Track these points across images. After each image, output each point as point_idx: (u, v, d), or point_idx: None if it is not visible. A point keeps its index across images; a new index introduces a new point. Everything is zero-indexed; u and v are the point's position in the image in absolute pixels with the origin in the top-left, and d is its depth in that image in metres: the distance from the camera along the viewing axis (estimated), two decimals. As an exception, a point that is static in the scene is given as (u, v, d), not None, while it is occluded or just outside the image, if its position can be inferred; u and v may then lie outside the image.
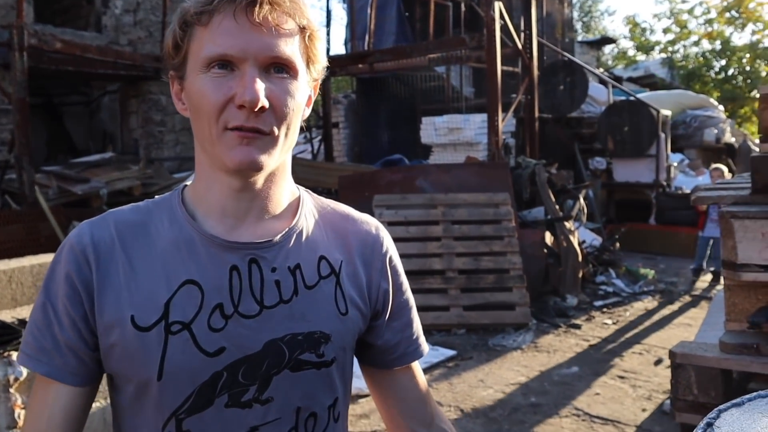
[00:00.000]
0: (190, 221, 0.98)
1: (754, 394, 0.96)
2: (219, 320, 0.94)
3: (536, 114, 9.65)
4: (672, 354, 2.18)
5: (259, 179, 0.97)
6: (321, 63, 1.00)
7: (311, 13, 0.97)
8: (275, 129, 0.93)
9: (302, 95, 0.96)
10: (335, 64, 10.43)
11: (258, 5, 0.89)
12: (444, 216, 6.72)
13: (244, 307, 0.95)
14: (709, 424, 0.87)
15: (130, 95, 9.99)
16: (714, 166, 8.59)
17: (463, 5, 13.07)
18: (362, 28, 11.70)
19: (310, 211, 1.06)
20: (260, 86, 0.89)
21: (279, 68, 0.92)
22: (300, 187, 1.09)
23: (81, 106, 10.84)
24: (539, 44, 9.76)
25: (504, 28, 8.34)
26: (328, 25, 13.73)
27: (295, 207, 1.04)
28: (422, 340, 1.17)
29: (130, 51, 9.26)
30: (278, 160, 0.96)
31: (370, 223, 1.12)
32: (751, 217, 2.02)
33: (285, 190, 1.03)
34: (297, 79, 0.95)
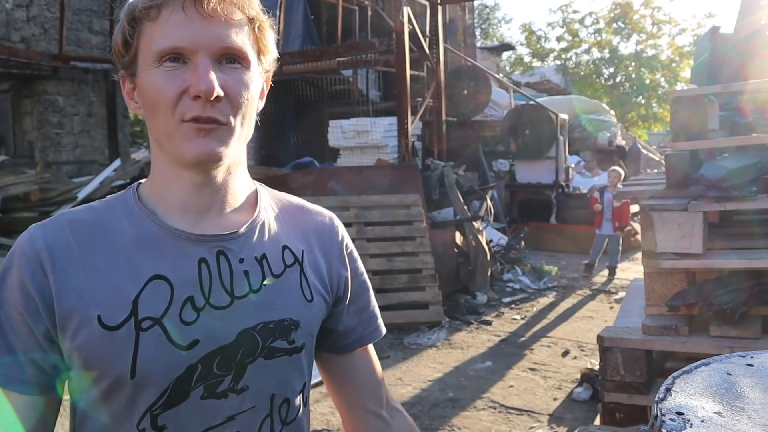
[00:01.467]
0: (151, 217, 0.96)
1: (699, 362, 1.06)
2: (191, 313, 0.93)
3: (443, 117, 9.88)
4: (600, 338, 2.32)
5: (219, 173, 0.97)
6: (272, 54, 1.02)
7: (258, 5, 0.98)
8: (231, 119, 0.93)
9: (256, 86, 0.97)
10: (242, 65, 10.30)
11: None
12: (357, 218, 6.77)
13: (215, 298, 0.95)
14: (668, 390, 0.95)
15: (24, 95, 9.44)
16: (612, 168, 9.07)
17: (369, 9, 13.20)
18: (269, 30, 11.56)
19: (268, 203, 1.08)
20: (214, 76, 0.89)
21: (231, 59, 0.93)
22: (255, 181, 1.10)
23: (-33, 107, 10.17)
24: (444, 50, 9.99)
25: (412, 33, 8.49)
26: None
27: (253, 199, 1.06)
28: (380, 321, 1.20)
29: (24, 48, 8.77)
30: (236, 151, 0.97)
31: (324, 213, 1.15)
32: (668, 210, 2.19)
33: (243, 183, 1.04)
34: (249, 69, 0.95)
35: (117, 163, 9.01)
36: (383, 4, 13.63)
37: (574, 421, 4.18)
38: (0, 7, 8.92)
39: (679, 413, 0.91)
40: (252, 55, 0.96)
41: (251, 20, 0.95)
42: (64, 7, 8.77)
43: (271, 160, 12.73)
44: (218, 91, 0.89)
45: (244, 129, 0.96)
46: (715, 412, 0.92)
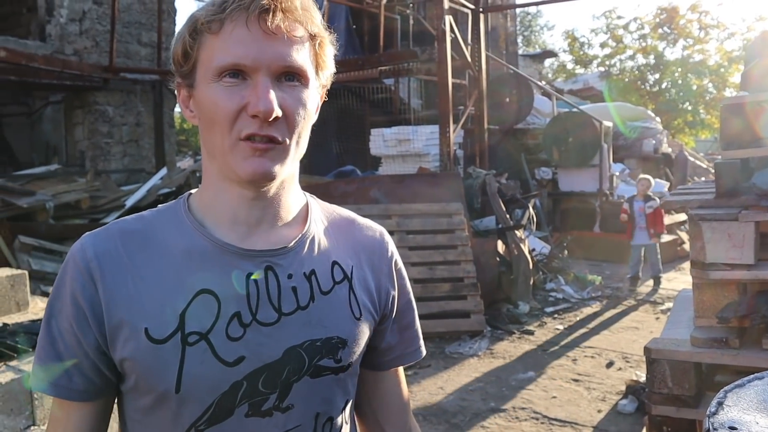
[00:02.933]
0: (200, 229, 0.96)
1: (752, 376, 1.04)
2: (237, 329, 0.93)
3: (485, 125, 9.84)
4: (647, 350, 2.29)
5: (271, 188, 0.97)
6: (329, 69, 1.01)
7: (320, 20, 0.97)
8: (287, 138, 0.92)
9: (312, 103, 0.96)
10: (286, 75, 10.43)
11: (271, 13, 0.88)
12: (398, 226, 6.78)
13: (263, 314, 0.94)
14: (720, 404, 0.94)
15: (75, 106, 9.74)
16: (641, 176, 8.86)
17: (411, 18, 13.25)
18: (311, 39, 11.69)
19: (319, 217, 1.07)
20: (274, 96, 0.88)
21: (290, 77, 0.92)
22: (306, 192, 1.09)
23: (22, 117, 10.50)
24: (486, 57, 9.96)
25: (454, 42, 8.50)
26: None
27: (304, 213, 1.05)
28: (422, 342, 1.19)
29: (77, 60, 9.04)
30: (290, 168, 0.96)
31: (375, 228, 1.13)
32: (718, 219, 2.15)
33: (295, 197, 1.03)
34: (308, 86, 0.94)
35: (163, 171, 9.22)
36: (425, 12, 13.67)
37: (620, 434, 4.11)
38: (54, 22, 9.22)
39: (732, 428, 0.90)
40: (311, 72, 0.95)
41: (312, 37, 0.95)
42: (115, 20, 9.03)
43: (313, 168, 12.84)
44: (277, 112, 0.89)
45: (299, 147, 0.96)
46: (768, 428, 0.90)
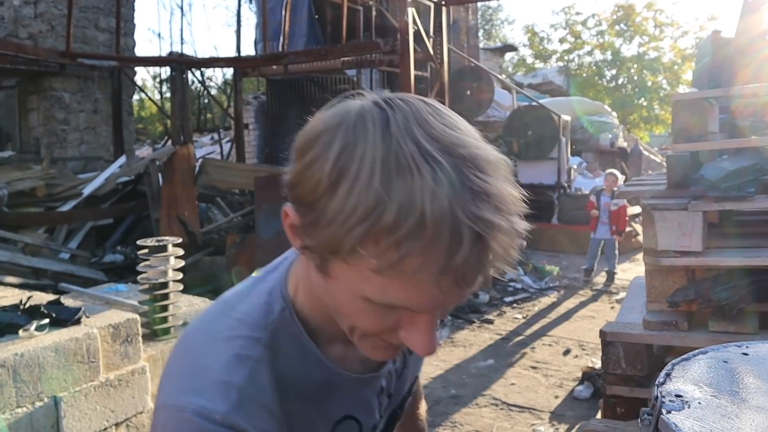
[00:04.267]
0: (324, 360, 0.86)
1: (696, 351, 1.12)
2: None
3: (447, 117, 9.91)
4: (602, 333, 2.39)
5: None
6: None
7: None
8: None
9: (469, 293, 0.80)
10: (249, 64, 10.35)
11: (479, 267, 0.68)
12: (361, 216, 6.82)
13: (386, 408, 0.97)
14: (667, 375, 1.01)
15: (30, 91, 9.50)
16: (608, 171, 9.02)
17: (373, 9, 13.26)
18: (273, 29, 11.64)
19: None
20: (435, 337, 0.75)
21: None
22: None
23: (-28, 103, 10.22)
24: (448, 50, 10.04)
25: (416, 34, 8.54)
26: (239, 25, 13.55)
27: None
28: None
29: (32, 45, 8.82)
30: None
31: None
32: (669, 209, 2.26)
33: None
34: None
35: (122, 159, 9.08)
36: (387, 4, 13.69)
37: (575, 419, 4.23)
38: (8, 4, 8.98)
39: (678, 395, 0.97)
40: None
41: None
42: (72, 4, 8.83)
43: (274, 158, 12.80)
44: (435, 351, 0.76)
45: None
46: (711, 395, 0.98)
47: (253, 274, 0.93)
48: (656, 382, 1.00)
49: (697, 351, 1.11)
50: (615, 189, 8.16)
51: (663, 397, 0.95)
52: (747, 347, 1.20)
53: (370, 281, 0.68)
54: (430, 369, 5.19)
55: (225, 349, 0.79)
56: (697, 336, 2.22)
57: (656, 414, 0.91)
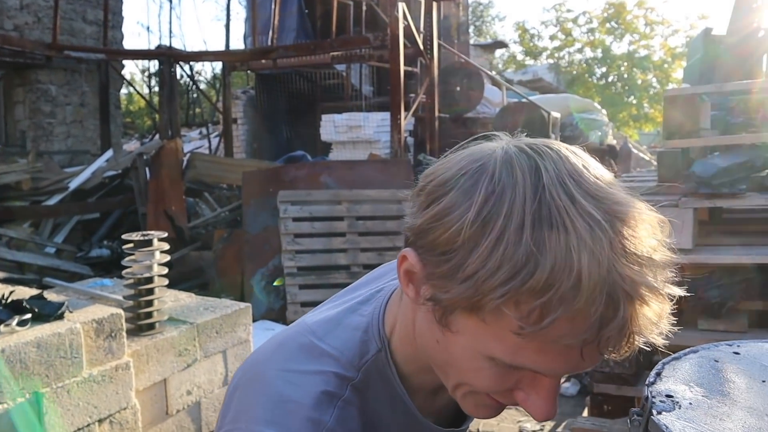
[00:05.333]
0: (415, 411, 0.81)
1: (687, 350, 1.10)
2: None
3: (436, 113, 9.91)
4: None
5: None
6: None
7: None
8: None
9: None
10: (238, 58, 10.28)
11: (622, 340, 0.64)
12: (348, 212, 6.80)
13: None
14: (658, 374, 0.99)
15: (16, 84, 9.40)
16: None
17: (363, 4, 13.21)
18: (263, 23, 11.58)
19: None
20: (556, 400, 0.71)
21: None
22: None
23: (-43, 95, 10.10)
24: (438, 46, 10.02)
25: (406, 29, 8.52)
26: (228, 19, 13.49)
27: None
28: None
29: (17, 36, 8.72)
30: None
31: None
32: (659, 206, 2.24)
33: None
34: None
35: (109, 153, 9.00)
36: (378, -1, 13.65)
37: (562, 416, 4.23)
38: (-7, -5, 8.90)
39: (668, 396, 0.95)
40: None
41: None
42: (58, -5, 8.75)
43: (263, 153, 12.75)
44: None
45: None
46: (702, 396, 0.96)
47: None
48: (646, 382, 0.98)
49: (687, 350, 1.09)
50: None
51: (653, 397, 0.93)
52: (738, 346, 1.18)
53: (504, 341, 0.63)
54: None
55: (315, 384, 0.74)
56: (686, 334, 2.21)
57: (647, 414, 0.89)
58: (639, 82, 26.56)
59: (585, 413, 2.95)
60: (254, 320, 5.96)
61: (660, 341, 0.70)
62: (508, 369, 0.66)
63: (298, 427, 0.71)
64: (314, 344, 0.79)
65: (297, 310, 6.12)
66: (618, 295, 0.58)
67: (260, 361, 0.80)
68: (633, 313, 0.60)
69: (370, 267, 6.42)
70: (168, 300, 3.46)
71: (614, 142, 15.47)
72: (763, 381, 1.03)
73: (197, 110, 18.87)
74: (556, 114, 11.86)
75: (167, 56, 9.62)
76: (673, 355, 1.07)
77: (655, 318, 0.64)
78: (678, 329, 2.08)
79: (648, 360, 2.42)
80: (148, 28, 57.95)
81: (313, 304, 6.34)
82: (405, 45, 8.60)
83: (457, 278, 0.62)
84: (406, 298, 0.76)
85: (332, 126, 11.36)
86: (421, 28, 9.70)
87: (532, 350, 0.62)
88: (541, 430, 4.08)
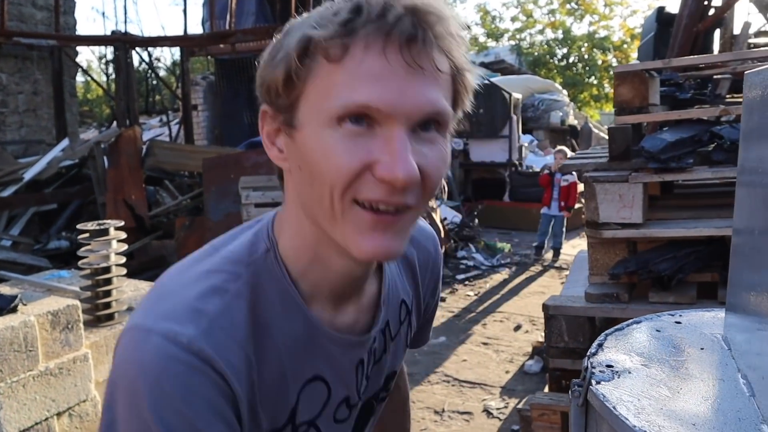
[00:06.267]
0: (307, 312, 0.82)
1: (630, 320, 1.12)
2: (344, 411, 0.90)
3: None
4: (545, 307, 2.41)
5: None
6: (465, 107, 0.79)
7: (468, 48, 0.76)
8: (420, 204, 0.74)
9: (448, 154, 0.76)
10: (195, 43, 10.11)
11: (420, 41, 0.68)
12: (312, 196, 6.77)
13: (365, 391, 0.93)
14: (600, 345, 1.00)
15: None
16: (558, 148, 9.15)
17: (323, -13, 13.07)
18: (221, 7, 11.39)
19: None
20: (414, 158, 0.69)
21: (428, 126, 0.72)
22: None
23: None
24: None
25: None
26: (185, 3, 13.25)
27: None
28: (431, 329, 1.19)
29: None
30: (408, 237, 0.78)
31: (428, 239, 1.06)
32: (610, 181, 2.28)
33: None
34: (446, 135, 0.75)
35: (65, 143, 8.79)
36: (337, -19, 13.52)
37: (525, 392, 4.29)
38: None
39: (608, 366, 0.97)
40: (451, 116, 0.74)
41: (458, 70, 0.74)
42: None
43: (224, 139, 12.59)
44: (417, 177, 0.69)
45: (425, 207, 0.78)
46: (642, 364, 0.98)
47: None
48: (587, 353, 0.99)
49: (630, 321, 1.12)
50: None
51: (593, 368, 0.95)
52: (680, 316, 1.21)
53: (332, 89, 0.68)
54: (384, 348, 5.21)
55: (203, 281, 0.76)
56: (637, 307, 2.25)
57: (585, 385, 0.91)
58: (599, 62, 26.87)
59: (546, 390, 3.00)
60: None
61: (466, 64, 0.74)
62: (353, 135, 0.69)
63: (181, 315, 0.72)
64: (211, 253, 0.82)
65: (261, 296, 6.10)
66: (394, 6, 0.68)
67: (162, 276, 0.83)
68: (414, 22, 0.67)
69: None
70: (127, 290, 3.41)
71: (575, 122, 15.65)
72: (702, 348, 1.06)
73: (157, 97, 18.55)
74: (517, 95, 11.95)
75: (122, 42, 9.41)
76: (616, 327, 1.09)
77: (442, 31, 0.70)
78: (629, 303, 2.11)
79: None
80: (103, 13, 56.62)
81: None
82: (365, 28, 8.56)
83: (279, 91, 0.74)
84: (287, 196, 0.82)
85: (294, 111, 11.25)
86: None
87: (348, 80, 0.68)
88: (505, 407, 4.14)
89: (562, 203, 8.28)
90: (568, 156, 8.65)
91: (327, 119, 0.69)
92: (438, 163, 0.72)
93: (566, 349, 2.28)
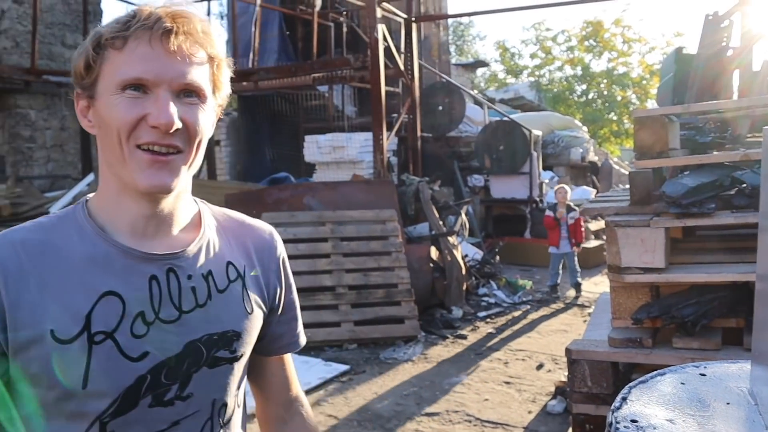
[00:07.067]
0: (102, 235, 1.02)
1: (654, 372, 1.12)
2: (141, 327, 1.00)
3: (419, 133, 9.96)
4: (568, 351, 2.38)
5: (168, 200, 1.04)
6: (226, 90, 1.09)
7: (220, 44, 1.06)
8: (187, 148, 1.00)
9: (209, 118, 1.05)
10: (218, 81, 10.27)
11: (173, 34, 0.97)
12: (333, 233, 6.80)
13: (165, 313, 1.02)
14: (624, 399, 1.00)
15: (-6, 109, 9.37)
16: (558, 186, 9.09)
17: (344, 26, 13.30)
18: (244, 45, 11.61)
19: (211, 221, 1.16)
20: (174, 109, 0.96)
21: (189, 93, 1.00)
22: (196, 198, 1.17)
23: (-63, 121, 10.01)
24: (419, 66, 10.10)
25: (386, 50, 8.59)
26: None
27: (197, 219, 1.13)
28: (302, 333, 1.31)
29: (-6, 62, 8.72)
30: (186, 180, 1.04)
31: (264, 228, 1.23)
32: (632, 225, 2.27)
33: (188, 205, 1.12)
34: (205, 103, 1.03)
35: (90, 177, 8.94)
36: (358, 20, 13.74)
37: (547, 434, 4.23)
38: (-28, 21, 8.86)
39: (633, 421, 0.96)
40: (208, 91, 1.03)
41: (211, 59, 1.03)
42: (37, 21, 8.72)
43: (246, 175, 12.72)
44: (177, 124, 0.97)
45: (196, 160, 1.04)
46: (667, 419, 0.97)
47: None
48: (612, 407, 0.99)
49: (655, 373, 1.11)
50: (569, 203, 8.24)
51: (618, 422, 0.94)
52: (705, 368, 1.19)
53: (116, 68, 0.96)
54: (404, 386, 5.17)
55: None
56: (661, 353, 2.23)
57: (611, 440, 0.90)
58: (619, 98, 26.86)
59: (569, 432, 2.95)
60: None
61: (217, 55, 1.04)
62: (132, 98, 0.96)
63: None
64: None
65: (281, 332, 6.09)
66: (152, 16, 0.98)
67: None
68: (158, 18, 0.97)
69: (355, 288, 6.43)
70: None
71: (596, 158, 15.61)
72: (728, 403, 1.05)
73: (180, 133, 18.81)
74: (537, 132, 11.96)
75: (149, 80, 9.58)
76: (640, 379, 1.08)
77: (183, 27, 0.98)
78: (653, 348, 2.08)
79: (627, 379, 2.42)
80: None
81: (298, 326, 6.31)
82: (386, 65, 8.67)
83: (82, 74, 1.01)
84: (99, 158, 1.06)
85: (316, 147, 11.38)
86: (402, 49, 9.78)
87: (126, 61, 0.96)
88: (527, 449, 4.08)
89: (573, 240, 8.24)
90: (568, 192, 8.62)
91: (114, 88, 0.97)
92: (197, 118, 1.00)
93: (590, 394, 2.25)
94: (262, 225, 1.24)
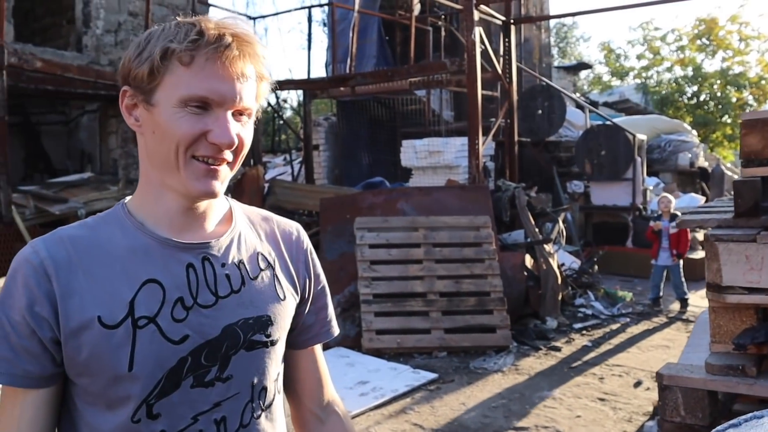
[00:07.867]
0: (141, 228, 1.10)
1: (749, 414, 0.99)
2: (181, 312, 1.07)
3: (516, 138, 9.77)
4: (659, 376, 2.22)
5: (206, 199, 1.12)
6: (262, 103, 1.18)
7: (271, 63, 1.14)
8: (233, 159, 1.09)
9: (252, 132, 1.13)
10: (317, 86, 10.48)
11: (240, 59, 1.04)
12: (425, 239, 6.74)
13: (202, 298, 1.09)
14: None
15: (110, 115, 9.90)
16: (662, 195, 8.66)
17: (443, 30, 13.25)
18: (343, 51, 11.79)
19: (242, 216, 1.23)
20: (234, 130, 1.05)
21: (241, 112, 1.08)
22: (227, 197, 1.25)
23: (59, 126, 10.69)
24: (518, 69, 9.90)
25: (484, 53, 8.46)
26: (309, 48, 13.80)
27: (229, 214, 1.21)
28: (334, 323, 1.34)
29: (111, 71, 9.21)
30: (227, 185, 1.13)
31: (291, 224, 1.31)
32: (735, 240, 2.08)
33: (221, 202, 1.19)
34: (250, 119, 1.11)
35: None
36: (457, 24, 13.66)
37: (644, 457, 4.01)
38: (91, 33, 9.42)
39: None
40: (254, 108, 1.11)
41: (260, 77, 1.10)
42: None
43: (343, 179, 12.90)
44: (236, 143, 1.05)
45: (237, 167, 1.13)
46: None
47: None
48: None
49: (750, 415, 0.99)
50: (675, 212, 7.84)
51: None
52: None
53: (182, 83, 1.01)
54: (492, 397, 5.04)
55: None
56: (767, 383, 2.02)
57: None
58: (734, 100, 25.36)
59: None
60: (329, 347, 6.00)
61: (265, 73, 1.10)
62: (194, 110, 1.02)
63: (17, 262, 1.05)
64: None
65: (372, 337, 6.09)
66: (221, 37, 1.02)
67: None
68: (224, 43, 1.02)
69: (446, 295, 6.36)
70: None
71: (706, 164, 14.80)
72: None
73: (282, 137, 19.38)
74: (642, 136, 11.47)
75: (250, 86, 9.88)
76: (731, 422, 0.97)
77: (248, 50, 1.05)
78: (757, 378, 1.90)
79: (727, 410, 2.22)
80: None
81: (389, 331, 6.31)
82: (483, 69, 8.54)
83: (144, 79, 1.04)
84: (140, 155, 1.13)
85: (412, 151, 11.39)
86: (501, 52, 9.62)
87: (193, 79, 1.01)
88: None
89: (674, 251, 7.81)
90: (672, 201, 8.17)
91: (176, 101, 1.02)
92: (247, 135, 1.09)
93: (683, 425, 2.08)
94: (289, 222, 1.31)
